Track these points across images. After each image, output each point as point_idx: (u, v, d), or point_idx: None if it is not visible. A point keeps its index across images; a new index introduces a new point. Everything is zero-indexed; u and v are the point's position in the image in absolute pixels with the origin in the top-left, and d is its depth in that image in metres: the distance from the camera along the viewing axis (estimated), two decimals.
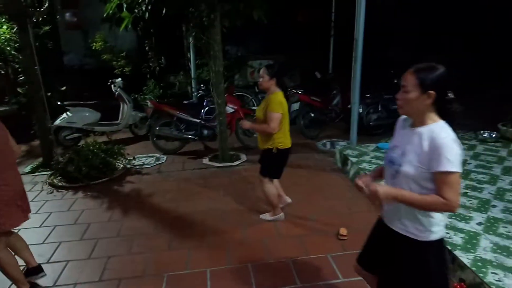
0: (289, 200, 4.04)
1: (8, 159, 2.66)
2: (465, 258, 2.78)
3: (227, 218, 3.96)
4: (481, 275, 2.59)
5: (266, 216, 3.86)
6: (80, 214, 4.16)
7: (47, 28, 7.06)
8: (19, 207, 2.70)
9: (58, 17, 6.27)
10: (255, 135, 5.96)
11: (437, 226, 1.76)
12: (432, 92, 1.66)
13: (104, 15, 6.07)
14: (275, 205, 3.78)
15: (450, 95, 1.70)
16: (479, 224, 3.28)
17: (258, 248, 3.38)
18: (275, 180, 3.80)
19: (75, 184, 4.88)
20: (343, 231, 3.50)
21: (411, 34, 8.95)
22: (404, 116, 1.90)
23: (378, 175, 2.05)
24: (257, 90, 8.17)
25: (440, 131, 1.66)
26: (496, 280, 2.53)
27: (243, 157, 5.84)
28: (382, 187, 1.72)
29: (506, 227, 3.21)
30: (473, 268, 2.67)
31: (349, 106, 6.03)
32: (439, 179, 1.64)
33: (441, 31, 8.80)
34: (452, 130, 1.69)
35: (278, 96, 3.36)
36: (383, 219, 1.96)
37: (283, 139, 3.45)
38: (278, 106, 3.31)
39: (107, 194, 4.67)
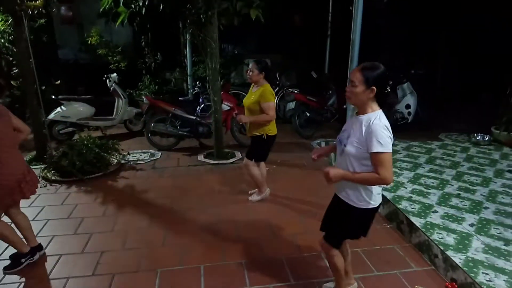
0: (268, 191, 4.32)
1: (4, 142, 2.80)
2: (457, 259, 2.82)
3: (221, 215, 3.96)
4: (472, 275, 2.63)
5: (254, 197, 4.22)
6: (74, 209, 4.13)
7: (42, 21, 6.99)
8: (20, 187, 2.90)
9: (53, 10, 6.19)
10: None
11: (374, 197, 2.20)
12: (374, 87, 2.02)
13: (101, 10, 6.03)
14: (262, 184, 4.17)
15: (388, 89, 2.08)
16: (471, 225, 3.32)
17: (252, 245, 3.39)
18: (264, 169, 4.19)
19: (69, 179, 4.85)
20: None
21: (403, 37, 9.01)
22: (354, 106, 2.30)
23: (332, 149, 2.52)
24: None
25: (374, 119, 2.02)
26: (487, 280, 2.57)
27: (238, 154, 5.85)
28: (333, 170, 2.12)
29: (497, 228, 3.26)
30: (465, 268, 2.71)
31: (344, 106, 6.06)
32: (374, 159, 2.02)
33: (434, 34, 8.87)
34: (387, 117, 2.08)
35: (269, 87, 3.78)
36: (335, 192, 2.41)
37: (272, 127, 3.87)
38: (271, 96, 3.76)
39: (101, 189, 4.65)
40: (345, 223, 2.33)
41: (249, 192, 4.42)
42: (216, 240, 3.49)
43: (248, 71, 3.86)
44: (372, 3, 8.36)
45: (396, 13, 8.71)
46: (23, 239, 3.14)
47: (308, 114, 6.92)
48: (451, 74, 9.10)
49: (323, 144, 6.45)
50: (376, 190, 2.22)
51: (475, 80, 8.48)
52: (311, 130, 6.92)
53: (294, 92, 7.26)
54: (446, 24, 8.62)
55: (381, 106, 2.11)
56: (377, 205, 2.25)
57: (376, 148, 1.98)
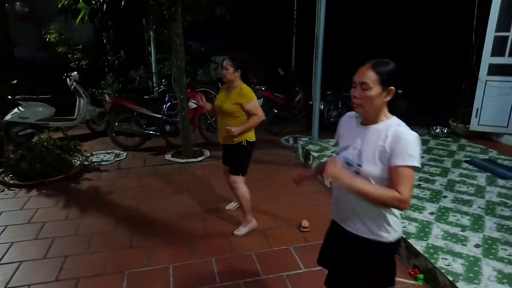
0: (255, 221, 3.62)
1: None
2: (419, 246, 2.94)
3: (190, 214, 3.92)
4: (432, 261, 2.76)
5: (241, 230, 3.50)
6: (34, 213, 3.95)
7: None
8: None
9: (6, 5, 5.86)
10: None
11: (391, 228, 1.69)
12: (392, 88, 1.60)
13: (59, 6, 5.79)
14: (248, 211, 3.50)
15: (399, 90, 1.65)
16: (431, 213, 3.47)
17: (221, 243, 3.38)
18: None
19: (28, 182, 4.63)
20: (305, 223, 3.58)
21: (364, 34, 9.28)
22: (350, 114, 1.83)
23: (319, 172, 2.01)
24: (220, 86, 8.13)
25: (398, 126, 1.61)
26: (446, 265, 2.70)
27: (207, 152, 5.80)
28: (342, 171, 1.57)
29: (455, 215, 3.43)
30: (426, 255, 2.83)
31: (310, 102, 6.16)
32: (398, 174, 1.55)
33: (391, 32, 9.19)
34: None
35: (247, 86, 3.31)
36: (336, 222, 1.85)
37: (251, 132, 3.38)
38: (253, 94, 3.27)
39: (63, 192, 4.48)
40: (373, 269, 1.72)
41: (226, 208, 4.00)
42: (185, 239, 3.45)
43: (223, 69, 3.29)
44: (335, 1, 8.56)
45: (359, 10, 8.94)
46: None
47: (275, 111, 6.98)
48: (410, 71, 9.47)
49: (291, 141, 6.54)
50: (398, 214, 1.73)
51: (433, 77, 8.87)
52: (279, 127, 7.00)
53: (262, 89, 7.29)
54: (403, 25, 8.95)
55: (392, 112, 1.69)
56: (397, 238, 1.72)
57: (408, 161, 1.53)
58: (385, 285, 1.75)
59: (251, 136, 3.37)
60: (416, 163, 1.55)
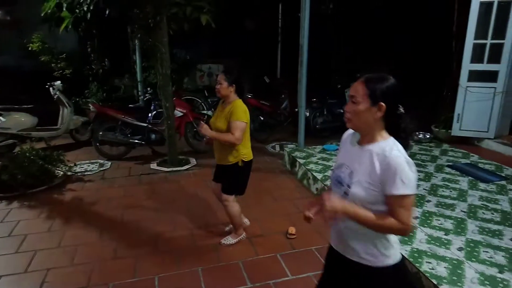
0: (247, 222, 3.74)
1: None
2: (403, 250, 2.97)
3: (176, 223, 3.88)
4: (417, 265, 2.79)
5: (229, 240, 3.46)
6: (16, 225, 3.86)
7: None
8: None
9: None
10: (204, 139, 5.91)
11: (392, 249, 1.62)
12: (382, 104, 1.51)
13: (42, 14, 5.74)
14: (239, 225, 3.47)
15: (401, 109, 1.56)
16: (415, 218, 3.51)
17: (208, 252, 3.36)
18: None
19: (10, 194, 4.53)
20: (291, 230, 3.59)
21: (350, 42, 9.43)
22: (351, 131, 1.74)
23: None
24: (206, 94, 8.14)
25: (391, 150, 1.50)
26: (430, 269, 2.73)
27: (193, 161, 5.78)
28: (334, 200, 1.52)
29: (438, 219, 3.48)
30: (410, 259, 2.86)
31: (296, 109, 6.21)
32: (394, 202, 1.49)
33: (375, 39, 9.36)
34: (404, 149, 1.54)
35: (241, 104, 3.07)
36: (332, 246, 1.77)
37: (247, 150, 3.21)
38: (244, 115, 3.03)
39: (46, 203, 4.39)
40: None
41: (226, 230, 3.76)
42: (171, 249, 3.41)
43: (217, 83, 3.11)
44: (319, 9, 8.69)
45: (342, 19, 9.09)
46: None
47: (262, 118, 7.02)
48: (394, 78, 9.64)
49: (277, 148, 6.57)
50: (393, 239, 1.63)
51: (415, 83, 9.04)
52: (265, 134, 7.03)
53: (248, 96, 7.30)
54: (386, 32, 9.13)
55: (392, 133, 1.57)
56: (399, 260, 1.65)
57: (402, 190, 1.46)
58: None
59: (247, 155, 3.20)
60: (411, 190, 1.48)
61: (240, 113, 3.02)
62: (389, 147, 1.52)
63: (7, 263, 3.22)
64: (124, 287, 2.88)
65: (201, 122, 3.44)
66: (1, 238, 3.63)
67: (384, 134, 1.58)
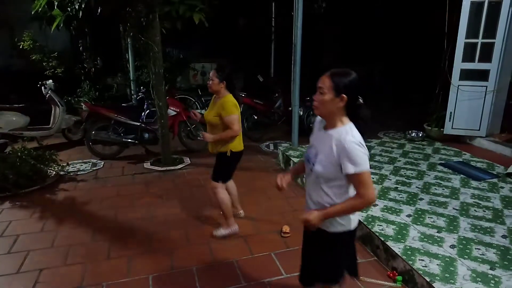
0: (242, 214, 3.93)
1: None
2: (396, 248, 3.00)
3: (170, 222, 3.88)
4: (410, 262, 2.81)
5: (220, 232, 3.56)
6: (8, 226, 3.82)
7: None
8: None
9: None
10: (199, 137, 5.90)
11: (347, 218, 1.90)
12: (344, 95, 1.76)
13: (33, 13, 5.66)
14: (229, 216, 3.55)
15: (360, 100, 1.82)
16: (408, 216, 3.55)
17: (202, 251, 3.35)
18: (233, 189, 3.79)
19: (1, 194, 4.47)
20: (286, 228, 3.60)
21: (342, 41, 9.48)
22: (321, 118, 1.98)
23: (301, 170, 2.21)
24: (200, 93, 8.12)
25: (346, 135, 1.76)
26: (423, 266, 2.76)
27: (187, 160, 5.76)
28: (311, 214, 1.85)
29: (431, 217, 3.52)
30: (404, 257, 2.88)
31: (290, 108, 6.22)
32: (352, 180, 1.79)
33: (368, 38, 9.41)
34: (361, 133, 1.80)
35: (231, 99, 3.31)
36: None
37: (237, 142, 3.41)
38: (234, 108, 3.28)
39: (38, 203, 4.35)
40: (323, 255, 1.99)
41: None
42: (165, 248, 3.41)
43: (209, 80, 3.37)
44: (312, 8, 8.71)
45: (335, 18, 9.13)
46: None
47: (255, 117, 7.02)
48: (387, 77, 9.71)
49: (271, 146, 6.58)
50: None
51: (408, 82, 9.12)
52: (259, 133, 7.02)
53: (241, 95, 7.29)
54: (379, 31, 9.19)
55: (353, 120, 1.84)
56: (353, 228, 1.96)
57: (353, 169, 1.73)
58: (327, 278, 2.02)
59: (236, 146, 3.40)
60: (363, 168, 1.74)
61: (230, 107, 3.27)
62: (345, 132, 1.78)
63: None
64: (117, 287, 2.86)
65: (193, 112, 3.92)
66: None
67: (344, 119, 1.83)
